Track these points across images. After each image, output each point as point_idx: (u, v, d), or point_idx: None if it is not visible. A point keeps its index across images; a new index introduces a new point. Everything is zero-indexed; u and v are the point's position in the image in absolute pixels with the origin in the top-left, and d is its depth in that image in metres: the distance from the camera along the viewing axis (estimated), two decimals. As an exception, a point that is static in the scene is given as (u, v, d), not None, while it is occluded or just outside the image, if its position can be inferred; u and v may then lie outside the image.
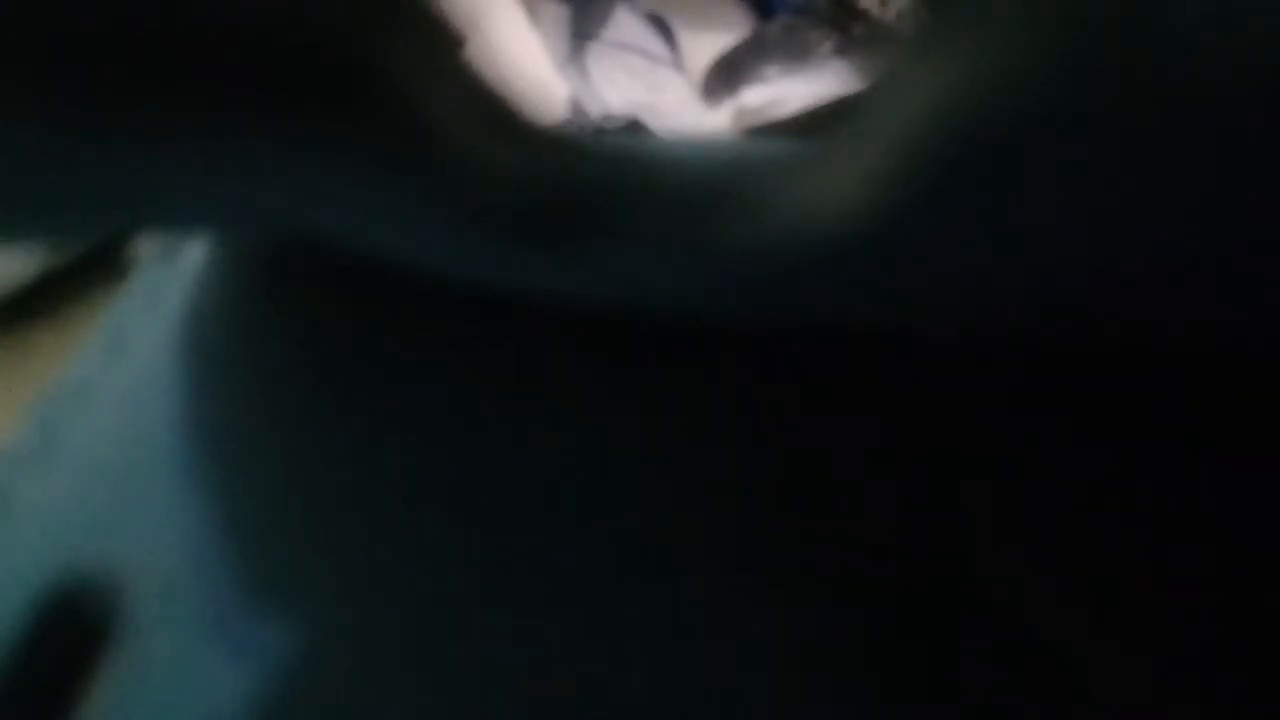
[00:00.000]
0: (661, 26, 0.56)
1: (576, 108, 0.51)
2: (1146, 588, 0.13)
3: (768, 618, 0.14)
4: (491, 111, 0.13)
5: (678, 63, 0.55)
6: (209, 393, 0.16)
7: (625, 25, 0.56)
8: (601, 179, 0.14)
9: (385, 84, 0.12)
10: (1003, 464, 0.14)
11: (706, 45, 0.54)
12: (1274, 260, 0.11)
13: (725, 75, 0.53)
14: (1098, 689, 0.13)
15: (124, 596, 0.15)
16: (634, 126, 0.50)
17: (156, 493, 0.16)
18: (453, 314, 0.15)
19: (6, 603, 0.16)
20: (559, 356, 0.15)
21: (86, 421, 0.18)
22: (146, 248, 0.19)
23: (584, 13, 0.55)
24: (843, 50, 0.52)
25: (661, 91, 0.54)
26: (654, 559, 0.14)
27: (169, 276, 0.18)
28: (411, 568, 0.14)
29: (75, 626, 0.16)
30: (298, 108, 0.12)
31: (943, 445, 0.14)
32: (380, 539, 0.15)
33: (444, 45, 0.13)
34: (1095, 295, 0.13)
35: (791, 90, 0.51)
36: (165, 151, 0.12)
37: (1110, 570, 0.13)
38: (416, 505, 0.15)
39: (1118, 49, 0.09)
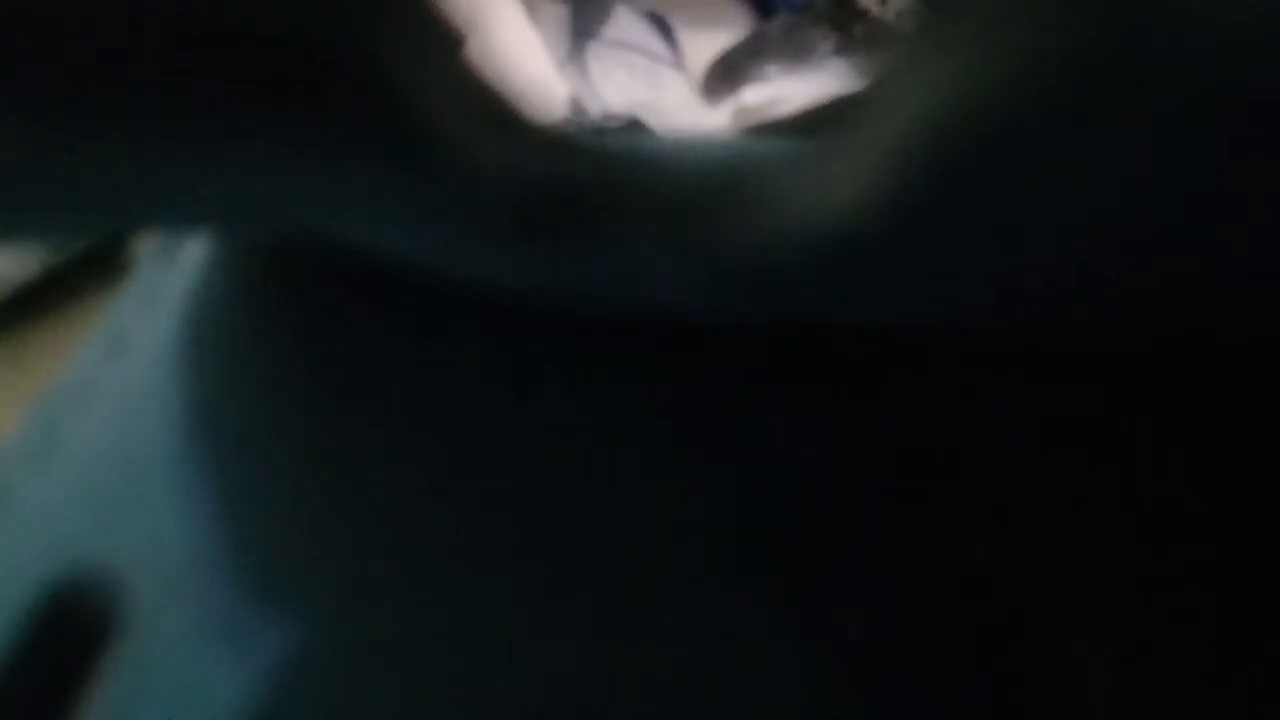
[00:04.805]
0: (661, 25, 0.56)
1: (576, 106, 0.51)
2: (1145, 588, 0.13)
3: (766, 618, 0.14)
4: (491, 110, 0.13)
5: (678, 61, 0.55)
6: (209, 392, 0.16)
7: (625, 24, 0.56)
8: (601, 178, 0.14)
9: (385, 83, 0.12)
10: (1002, 464, 0.14)
11: (706, 44, 0.54)
12: (1273, 259, 0.11)
13: (725, 74, 0.53)
14: (1096, 689, 0.13)
15: (124, 596, 0.15)
16: (634, 125, 0.50)
17: (156, 492, 0.16)
18: (452, 313, 0.15)
19: (6, 602, 0.16)
20: (559, 356, 0.15)
21: (86, 420, 0.18)
22: (146, 248, 0.19)
23: (584, 11, 0.55)
24: (843, 50, 0.52)
25: (661, 90, 0.54)
26: (653, 559, 0.14)
27: (169, 276, 0.18)
28: (412, 567, 0.14)
29: (75, 626, 0.16)
30: (297, 107, 0.12)
31: (942, 445, 0.14)
32: (380, 538, 0.15)
33: (443, 44, 0.13)
34: (1095, 294, 0.13)
35: (791, 89, 0.51)
36: (165, 151, 0.12)
37: (1109, 571, 0.13)
38: (417, 505, 0.15)
39: (1117, 49, 0.09)
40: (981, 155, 0.11)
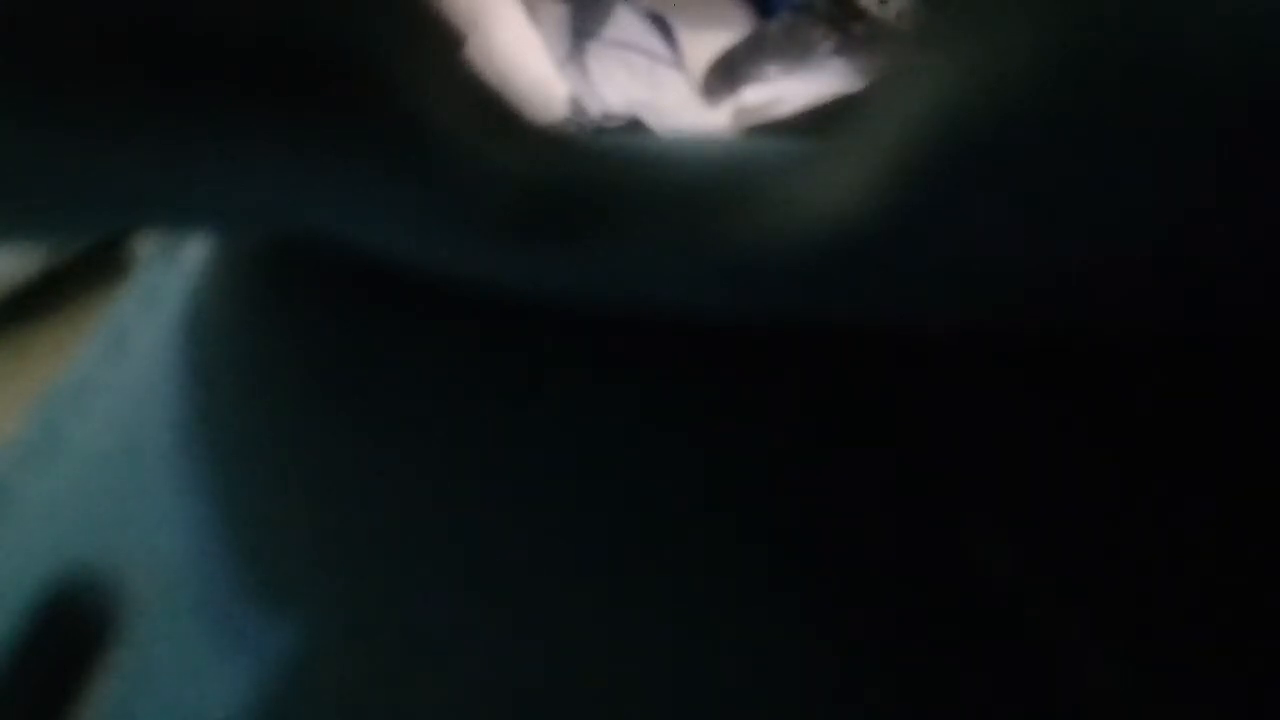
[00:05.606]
0: (661, 25, 0.56)
1: (576, 106, 0.51)
2: (1144, 587, 0.13)
3: (767, 619, 0.14)
4: (491, 111, 0.13)
5: (678, 61, 0.55)
6: (209, 391, 0.16)
7: (625, 24, 0.56)
8: (601, 178, 0.14)
9: (386, 83, 0.12)
10: (1003, 464, 0.14)
11: (706, 44, 0.54)
12: (1274, 258, 0.11)
13: (725, 74, 0.53)
14: (1096, 689, 0.13)
15: (124, 594, 0.15)
16: (634, 125, 0.50)
17: (157, 491, 0.16)
18: (452, 314, 0.15)
19: (6, 601, 0.16)
20: (559, 356, 0.15)
21: (87, 420, 0.18)
22: (146, 248, 0.19)
23: (584, 11, 0.55)
24: (843, 49, 0.52)
25: (661, 90, 0.54)
26: (654, 560, 0.14)
27: (169, 276, 0.18)
28: (411, 566, 0.14)
29: (75, 625, 0.16)
30: (298, 108, 0.12)
31: (943, 445, 0.14)
32: (380, 538, 0.15)
33: (444, 44, 0.13)
34: (1094, 294, 0.13)
35: (791, 89, 0.51)
36: (165, 151, 0.12)
37: (1109, 571, 0.13)
38: (416, 504, 0.15)
39: (1117, 49, 0.09)
40: (981, 155, 0.11)
